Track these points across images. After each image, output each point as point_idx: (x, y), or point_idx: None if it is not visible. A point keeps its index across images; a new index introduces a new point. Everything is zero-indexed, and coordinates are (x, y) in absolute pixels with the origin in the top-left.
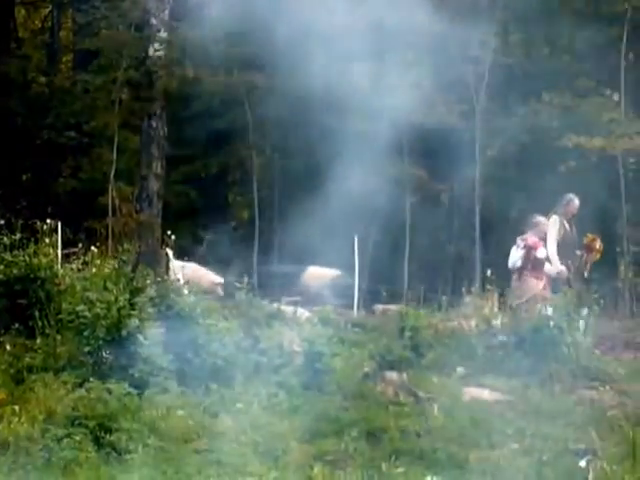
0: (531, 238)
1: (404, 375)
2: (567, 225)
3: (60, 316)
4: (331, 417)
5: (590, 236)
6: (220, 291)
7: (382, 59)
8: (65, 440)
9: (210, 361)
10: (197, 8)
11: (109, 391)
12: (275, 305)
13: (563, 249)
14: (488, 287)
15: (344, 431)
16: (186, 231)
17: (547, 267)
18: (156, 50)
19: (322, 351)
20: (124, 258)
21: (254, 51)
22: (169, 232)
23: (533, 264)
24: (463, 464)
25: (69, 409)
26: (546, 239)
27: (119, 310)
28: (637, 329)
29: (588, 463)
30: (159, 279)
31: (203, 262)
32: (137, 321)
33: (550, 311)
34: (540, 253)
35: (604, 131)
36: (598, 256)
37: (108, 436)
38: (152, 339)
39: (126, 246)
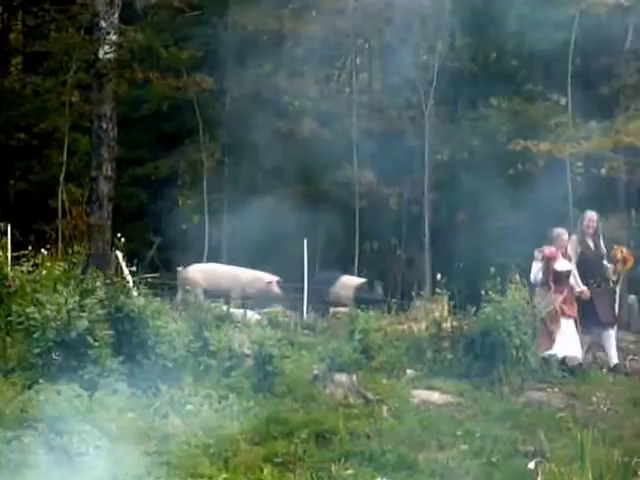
0: (548, 249)
1: (354, 377)
2: (590, 242)
3: (10, 318)
4: (281, 419)
5: (615, 247)
6: (276, 289)
7: (332, 64)
8: (14, 442)
9: (160, 363)
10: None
11: (59, 393)
12: (225, 307)
13: (587, 267)
14: (438, 291)
15: (294, 433)
16: (136, 234)
17: (572, 282)
18: (106, 53)
19: (272, 353)
20: (74, 260)
21: (204, 53)
22: (119, 235)
23: (555, 277)
24: (412, 465)
25: (18, 411)
26: (566, 251)
27: (69, 312)
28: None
29: (537, 465)
30: (108, 281)
31: (153, 265)
32: (87, 323)
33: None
34: (559, 266)
35: (551, 135)
36: (628, 265)
37: (58, 438)
38: (102, 341)
39: (76, 248)
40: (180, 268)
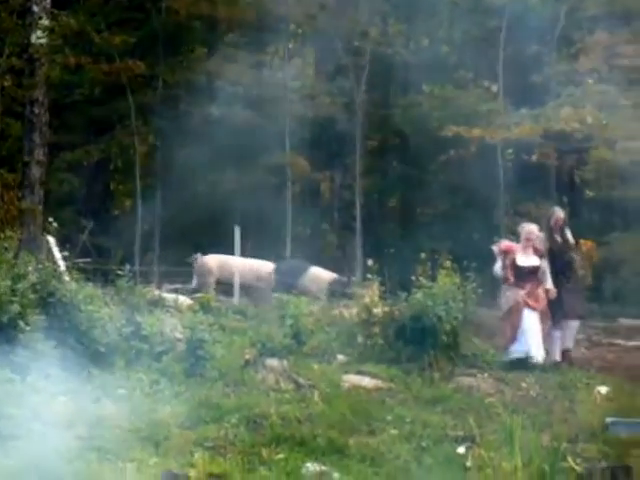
0: (504, 243)
1: (285, 362)
2: (558, 237)
3: None
4: (212, 403)
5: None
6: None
7: (265, 49)
8: None
9: (92, 347)
10: None
11: None
12: (157, 292)
13: (557, 261)
14: (369, 276)
15: (225, 417)
16: (68, 219)
17: (541, 277)
18: (38, 37)
19: (203, 338)
20: (6, 245)
21: (136, 38)
22: (51, 219)
23: (515, 272)
24: (343, 450)
25: None
26: (530, 245)
27: (0, 296)
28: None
29: (467, 450)
30: (40, 266)
31: (85, 250)
32: (18, 307)
33: (529, 321)
34: (522, 261)
35: (483, 122)
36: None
37: None
38: (34, 325)
39: (8, 233)
40: (197, 256)
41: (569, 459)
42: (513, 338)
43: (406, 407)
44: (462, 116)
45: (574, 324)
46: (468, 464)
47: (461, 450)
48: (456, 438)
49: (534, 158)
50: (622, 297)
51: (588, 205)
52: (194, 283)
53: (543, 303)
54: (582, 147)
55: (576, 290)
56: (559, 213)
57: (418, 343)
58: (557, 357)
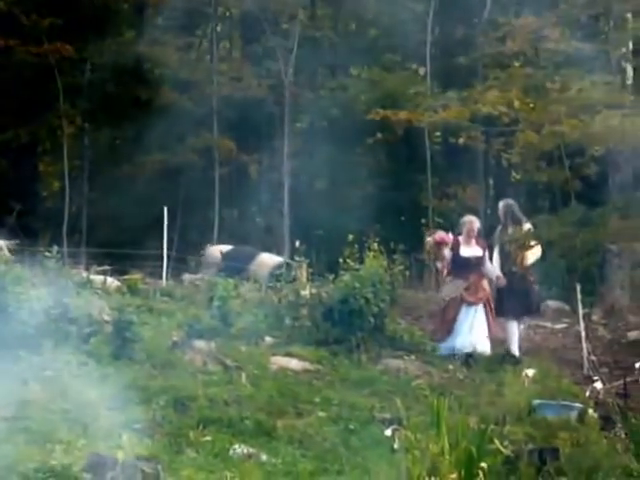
0: (438, 235)
1: (212, 344)
2: (511, 229)
3: None
4: (140, 385)
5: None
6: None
7: (193, 32)
8: None
9: (20, 329)
10: None
11: None
12: (85, 274)
13: (505, 254)
14: (297, 258)
15: (153, 399)
16: None
17: (489, 267)
18: None
19: (131, 320)
20: None
21: (65, 21)
22: None
23: (458, 263)
24: (271, 432)
25: None
26: (472, 236)
27: None
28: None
29: (394, 432)
30: None
31: (13, 231)
32: None
33: (465, 315)
34: (464, 252)
35: (410, 105)
36: (526, 251)
37: None
38: None
39: None
40: (208, 246)
41: (496, 441)
42: (447, 332)
43: (333, 389)
44: (389, 99)
45: (510, 325)
46: (395, 446)
47: (388, 432)
48: (383, 420)
49: (461, 141)
50: (549, 280)
51: (515, 188)
52: (202, 273)
53: (484, 295)
54: (509, 130)
55: (520, 286)
56: (503, 203)
57: (346, 325)
58: (514, 349)
